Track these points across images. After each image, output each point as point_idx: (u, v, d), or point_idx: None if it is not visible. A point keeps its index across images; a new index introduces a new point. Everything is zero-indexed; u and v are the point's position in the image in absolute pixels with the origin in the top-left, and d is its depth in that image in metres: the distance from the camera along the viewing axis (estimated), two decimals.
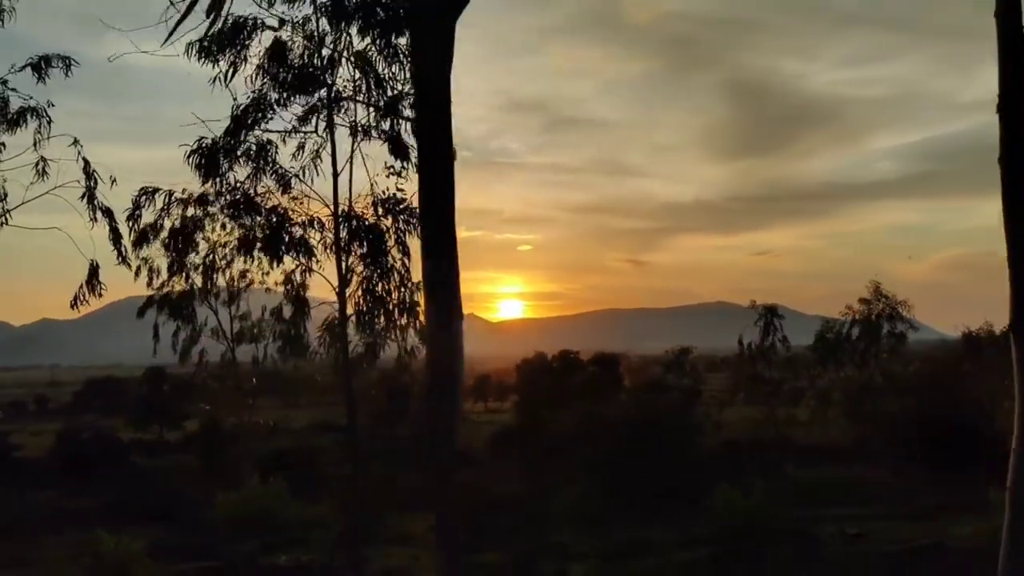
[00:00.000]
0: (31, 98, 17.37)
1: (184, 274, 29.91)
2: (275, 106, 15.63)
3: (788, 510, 25.37)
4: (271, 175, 15.87)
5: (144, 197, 16.38)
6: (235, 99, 15.17)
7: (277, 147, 15.87)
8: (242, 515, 30.41)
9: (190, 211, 16.60)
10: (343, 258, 15.85)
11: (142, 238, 28.92)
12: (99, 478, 48.84)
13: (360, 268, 15.76)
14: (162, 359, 16.53)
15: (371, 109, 15.64)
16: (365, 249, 15.30)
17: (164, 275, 27.50)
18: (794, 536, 23.86)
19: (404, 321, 15.28)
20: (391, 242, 15.33)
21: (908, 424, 32.51)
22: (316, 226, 15.95)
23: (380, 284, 15.17)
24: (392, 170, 15.49)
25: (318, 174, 15.94)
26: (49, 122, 17.81)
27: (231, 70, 15.04)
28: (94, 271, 13.90)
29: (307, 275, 16.57)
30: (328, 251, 16.08)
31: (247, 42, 15.05)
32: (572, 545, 23.49)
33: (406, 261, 15.32)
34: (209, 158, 15.22)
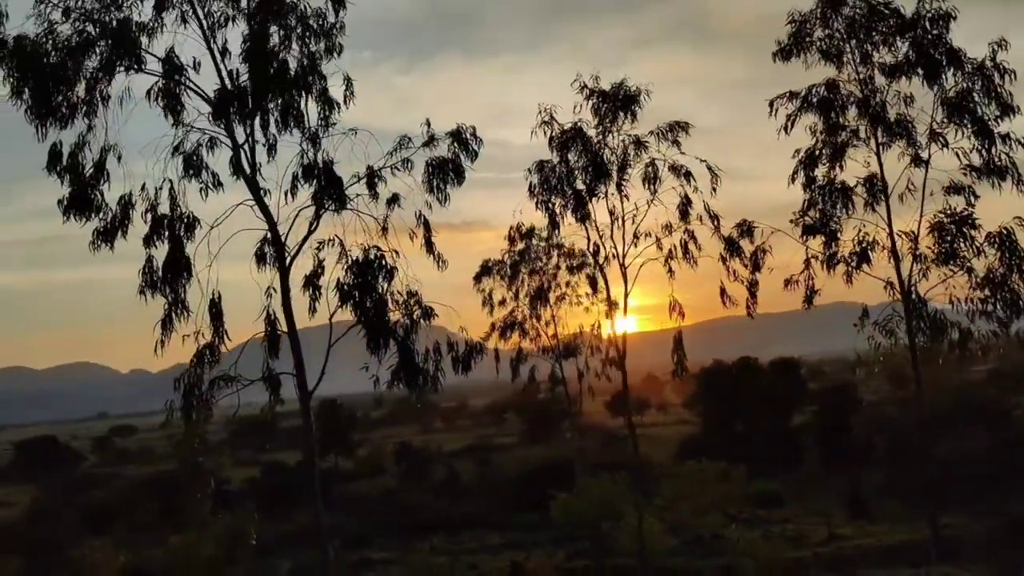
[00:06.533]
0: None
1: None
2: (846, 146, 18.98)
3: None
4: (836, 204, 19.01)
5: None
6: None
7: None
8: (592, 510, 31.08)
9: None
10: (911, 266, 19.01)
11: (484, 271, 31.55)
12: (332, 503, 49.82)
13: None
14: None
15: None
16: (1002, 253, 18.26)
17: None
18: None
19: None
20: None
21: None
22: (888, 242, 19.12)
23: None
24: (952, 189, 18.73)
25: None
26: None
27: (790, 123, 18.87)
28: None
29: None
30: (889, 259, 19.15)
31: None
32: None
33: None
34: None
